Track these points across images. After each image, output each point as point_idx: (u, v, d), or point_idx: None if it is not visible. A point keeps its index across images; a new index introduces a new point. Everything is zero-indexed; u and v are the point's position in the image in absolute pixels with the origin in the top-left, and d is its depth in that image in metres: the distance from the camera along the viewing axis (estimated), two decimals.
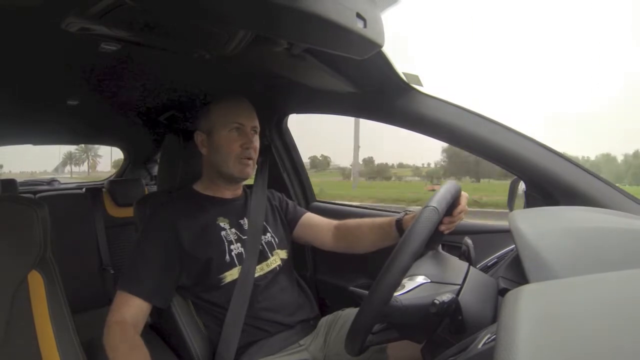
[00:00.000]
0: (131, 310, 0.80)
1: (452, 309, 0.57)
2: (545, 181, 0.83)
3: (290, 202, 1.10)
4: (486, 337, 0.47)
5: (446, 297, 0.57)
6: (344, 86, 0.98)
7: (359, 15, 0.61)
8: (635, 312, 0.30)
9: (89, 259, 1.76)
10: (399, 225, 0.90)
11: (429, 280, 0.63)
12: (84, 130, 1.94)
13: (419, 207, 0.69)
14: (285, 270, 0.97)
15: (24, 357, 0.65)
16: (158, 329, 1.00)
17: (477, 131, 0.88)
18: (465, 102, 0.89)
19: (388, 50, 0.78)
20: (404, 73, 0.90)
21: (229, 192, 0.98)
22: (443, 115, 0.91)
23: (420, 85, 0.94)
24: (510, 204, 0.88)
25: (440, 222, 0.76)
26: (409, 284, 0.63)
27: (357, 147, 16.17)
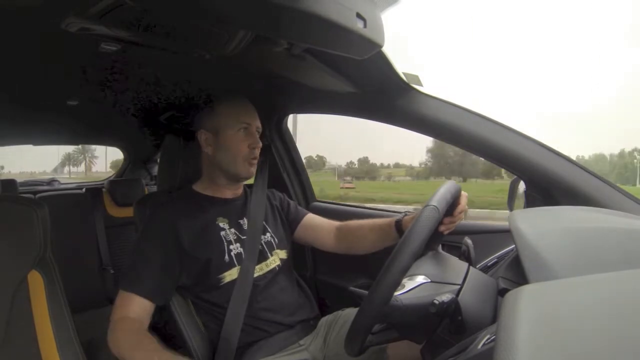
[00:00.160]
0: (134, 308, 0.81)
1: (452, 309, 0.57)
2: (545, 181, 0.83)
3: (291, 202, 1.10)
4: (486, 338, 0.47)
5: (446, 297, 0.57)
6: (344, 86, 0.98)
7: (359, 15, 0.61)
8: (635, 312, 0.30)
9: (89, 259, 1.76)
10: (399, 226, 0.90)
11: (429, 280, 0.64)
12: (84, 130, 1.94)
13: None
14: (284, 270, 0.97)
15: (24, 357, 0.65)
16: (158, 329, 1.00)
17: (477, 131, 0.88)
18: (465, 102, 0.89)
19: (388, 50, 0.78)
20: (404, 73, 0.90)
21: (229, 192, 0.98)
22: (443, 115, 0.91)
23: (420, 85, 0.94)
24: (510, 204, 0.88)
25: (441, 222, 0.76)
26: (409, 284, 0.63)
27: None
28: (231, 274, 0.88)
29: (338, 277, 1.26)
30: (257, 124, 0.97)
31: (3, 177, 2.18)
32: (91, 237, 1.78)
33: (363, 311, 0.58)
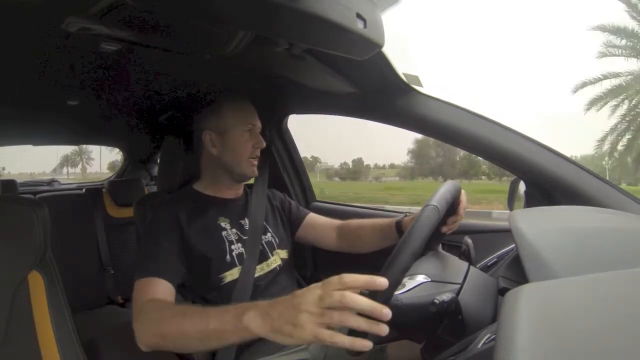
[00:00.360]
0: (158, 290, 0.76)
1: (452, 308, 0.57)
2: (545, 181, 0.83)
3: (293, 202, 1.11)
4: (486, 337, 0.47)
5: (446, 296, 0.57)
6: (344, 86, 0.98)
7: (359, 16, 0.61)
8: (635, 311, 0.30)
9: (89, 259, 1.75)
10: (399, 226, 0.90)
11: (429, 280, 0.64)
12: (84, 130, 1.94)
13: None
14: (285, 270, 0.97)
15: (24, 357, 0.65)
16: None
17: (477, 132, 0.88)
18: (465, 102, 0.89)
19: (388, 50, 0.79)
20: (404, 73, 0.90)
21: (231, 192, 0.99)
22: (443, 116, 0.91)
23: (420, 85, 0.94)
24: (510, 204, 0.89)
25: (444, 223, 0.76)
26: (409, 283, 0.63)
27: None
28: (232, 274, 0.88)
29: None
30: (259, 124, 0.98)
31: (3, 178, 2.18)
32: (91, 237, 1.78)
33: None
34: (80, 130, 1.92)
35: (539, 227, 0.57)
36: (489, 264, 0.86)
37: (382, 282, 0.49)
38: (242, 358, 0.86)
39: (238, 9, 0.53)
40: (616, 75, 11.40)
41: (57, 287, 0.71)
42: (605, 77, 11.32)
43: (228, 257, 0.88)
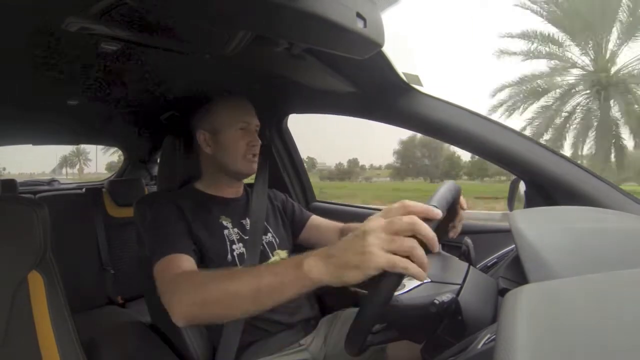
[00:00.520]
0: (180, 263, 0.74)
1: (452, 308, 0.57)
2: (545, 181, 0.83)
3: (295, 204, 1.11)
4: (486, 337, 0.47)
5: (446, 297, 0.57)
6: (344, 86, 0.98)
7: (359, 15, 0.61)
8: (635, 311, 0.30)
9: (89, 259, 1.75)
10: None
11: (429, 280, 0.63)
12: (84, 130, 1.94)
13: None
14: None
15: (24, 357, 0.65)
16: (158, 329, 1.00)
17: (477, 131, 0.88)
18: (465, 102, 0.89)
19: (388, 49, 0.78)
20: (404, 73, 0.90)
21: (231, 191, 0.99)
22: (443, 115, 0.91)
23: (420, 85, 0.94)
24: (510, 204, 0.88)
25: (446, 226, 0.76)
26: (409, 284, 0.63)
27: None
28: None
29: None
30: (256, 122, 0.97)
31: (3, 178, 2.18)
32: (91, 237, 1.78)
33: (363, 311, 0.58)
34: (80, 130, 1.91)
35: (539, 227, 0.57)
36: (489, 264, 0.86)
37: (438, 212, 0.49)
38: (242, 358, 0.86)
39: (238, 9, 0.53)
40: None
41: (57, 287, 0.71)
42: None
43: (229, 256, 0.88)
